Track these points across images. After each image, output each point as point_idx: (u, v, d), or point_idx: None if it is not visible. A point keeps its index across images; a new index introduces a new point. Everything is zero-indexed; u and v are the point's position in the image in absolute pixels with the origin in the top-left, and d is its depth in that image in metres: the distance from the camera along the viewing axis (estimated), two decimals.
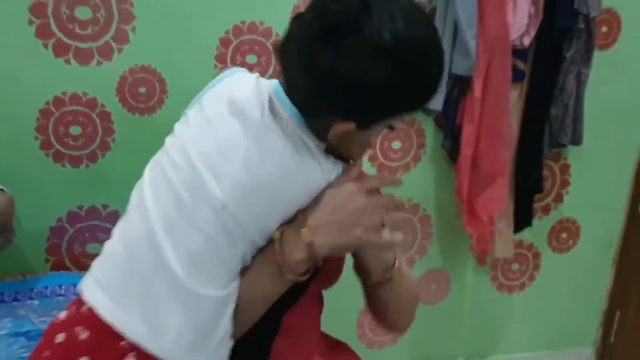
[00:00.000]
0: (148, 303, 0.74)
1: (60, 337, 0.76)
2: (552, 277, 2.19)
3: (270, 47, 1.53)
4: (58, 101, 1.53)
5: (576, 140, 1.87)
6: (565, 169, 2.04)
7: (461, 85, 1.73)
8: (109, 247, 0.81)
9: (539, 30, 1.70)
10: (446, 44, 1.64)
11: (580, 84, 1.80)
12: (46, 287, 1.46)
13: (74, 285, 1.42)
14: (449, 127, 1.79)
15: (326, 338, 1.15)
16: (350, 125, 0.76)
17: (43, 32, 1.48)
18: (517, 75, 1.76)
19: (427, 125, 1.86)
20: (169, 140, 0.84)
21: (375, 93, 0.73)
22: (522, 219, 1.95)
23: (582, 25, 1.71)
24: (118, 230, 0.81)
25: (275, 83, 0.82)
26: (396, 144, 1.85)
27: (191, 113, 0.84)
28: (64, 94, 1.53)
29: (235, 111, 0.78)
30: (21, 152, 1.54)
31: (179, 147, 0.80)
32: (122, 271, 0.77)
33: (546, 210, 2.08)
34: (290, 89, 0.79)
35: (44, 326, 1.31)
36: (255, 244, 0.80)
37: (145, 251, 0.75)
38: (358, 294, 1.87)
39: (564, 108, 1.81)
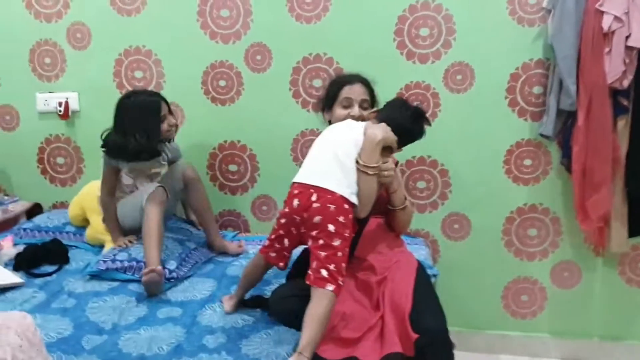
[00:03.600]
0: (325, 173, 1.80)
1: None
2: None
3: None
4: (303, 133, 2.74)
5: None
6: None
7: (573, 117, 2.47)
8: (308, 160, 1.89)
9: (636, 73, 2.36)
10: (555, 87, 2.44)
11: None
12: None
13: None
14: (566, 148, 2.54)
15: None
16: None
17: (295, 94, 2.71)
18: (622, 110, 2.43)
19: (552, 148, 2.63)
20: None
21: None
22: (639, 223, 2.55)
23: None
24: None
25: None
26: (527, 161, 2.65)
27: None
28: (307, 129, 2.74)
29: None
30: (281, 162, 2.77)
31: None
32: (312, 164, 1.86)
33: None
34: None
35: None
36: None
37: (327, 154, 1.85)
38: (503, 270, 2.70)
39: None
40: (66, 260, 2.41)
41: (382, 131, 1.84)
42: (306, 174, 1.84)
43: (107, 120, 2.61)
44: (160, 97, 2.40)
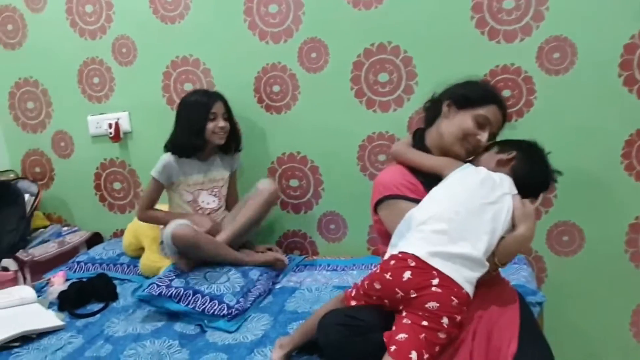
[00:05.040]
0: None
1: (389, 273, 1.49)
2: None
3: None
4: (370, 138, 2.39)
5: None
6: None
7: None
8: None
9: None
10: None
11: None
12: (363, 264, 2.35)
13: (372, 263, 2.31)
14: None
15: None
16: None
17: (358, 94, 2.37)
18: None
19: None
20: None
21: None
22: None
23: None
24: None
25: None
26: None
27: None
28: (374, 133, 2.39)
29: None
30: (347, 173, 2.45)
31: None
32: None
33: None
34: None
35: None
36: None
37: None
38: (630, 290, 2.24)
39: None
40: (114, 297, 2.22)
41: (534, 230, 1.55)
42: (432, 248, 1.47)
43: (159, 140, 2.45)
44: (216, 97, 2.31)
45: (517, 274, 2.07)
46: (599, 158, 2.19)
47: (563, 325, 2.29)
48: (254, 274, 2.21)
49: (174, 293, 2.02)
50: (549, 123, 2.18)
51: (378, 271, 1.51)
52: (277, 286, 2.24)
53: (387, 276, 1.47)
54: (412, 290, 1.43)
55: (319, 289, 2.17)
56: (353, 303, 1.56)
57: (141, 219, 2.35)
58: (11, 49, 2.78)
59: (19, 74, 2.81)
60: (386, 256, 1.55)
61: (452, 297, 1.41)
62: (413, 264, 1.45)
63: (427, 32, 2.24)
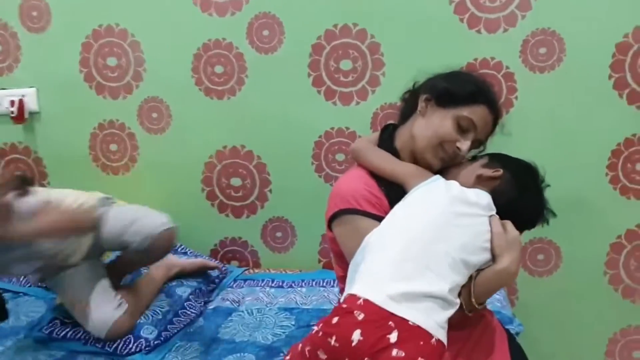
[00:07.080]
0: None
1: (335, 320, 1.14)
2: None
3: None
4: (327, 134, 2.16)
5: None
6: None
7: None
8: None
9: None
10: None
11: None
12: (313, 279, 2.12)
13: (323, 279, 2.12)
14: None
15: None
16: None
17: (317, 82, 2.12)
18: None
19: None
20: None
21: None
22: None
23: None
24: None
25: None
26: None
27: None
28: (332, 128, 2.15)
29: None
30: (300, 174, 2.21)
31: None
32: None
33: None
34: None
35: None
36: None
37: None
38: (608, 316, 2.12)
39: None
40: (4, 315, 1.87)
41: (519, 263, 1.27)
42: (389, 287, 1.14)
43: (73, 123, 2.14)
44: None
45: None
46: (582, 169, 2.04)
47: (533, 353, 2.11)
48: (183, 290, 1.92)
49: (81, 334, 1.70)
50: (530, 126, 2.02)
51: (320, 333, 1.14)
52: (210, 306, 1.95)
53: (332, 342, 1.11)
54: (366, 358, 1.07)
55: (261, 310, 1.90)
56: None
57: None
58: None
59: None
60: (342, 297, 1.22)
61: (419, 358, 1.07)
62: (362, 316, 1.10)
63: (399, 15, 2.03)
